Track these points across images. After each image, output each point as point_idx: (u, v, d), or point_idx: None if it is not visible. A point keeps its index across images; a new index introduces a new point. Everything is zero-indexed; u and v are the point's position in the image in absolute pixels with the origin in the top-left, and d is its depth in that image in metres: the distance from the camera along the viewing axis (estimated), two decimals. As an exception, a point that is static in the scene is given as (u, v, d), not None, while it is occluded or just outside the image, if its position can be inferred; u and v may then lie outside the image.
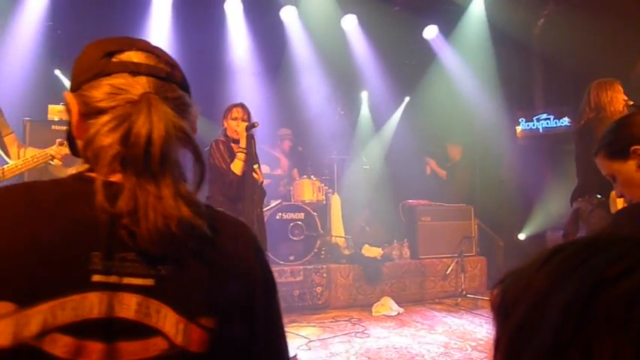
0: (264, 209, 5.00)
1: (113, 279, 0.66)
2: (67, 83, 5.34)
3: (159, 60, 0.78)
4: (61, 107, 4.49)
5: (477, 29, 6.48)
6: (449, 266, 5.29)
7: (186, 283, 0.70)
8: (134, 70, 0.75)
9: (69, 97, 0.76)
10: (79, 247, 0.66)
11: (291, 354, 3.35)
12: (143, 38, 0.82)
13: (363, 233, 5.86)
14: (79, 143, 0.77)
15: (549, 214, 5.89)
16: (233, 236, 0.78)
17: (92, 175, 0.71)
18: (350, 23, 6.49)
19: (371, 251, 5.25)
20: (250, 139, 3.39)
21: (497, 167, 6.66)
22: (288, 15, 6.33)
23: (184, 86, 0.81)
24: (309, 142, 6.08)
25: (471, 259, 5.54)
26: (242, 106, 3.57)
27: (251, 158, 3.38)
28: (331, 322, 4.35)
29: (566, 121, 6.24)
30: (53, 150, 2.42)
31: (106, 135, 0.70)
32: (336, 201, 5.60)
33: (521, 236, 6.27)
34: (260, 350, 0.77)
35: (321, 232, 5.15)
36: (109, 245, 0.67)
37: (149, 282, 0.67)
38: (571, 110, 5.92)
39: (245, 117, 3.51)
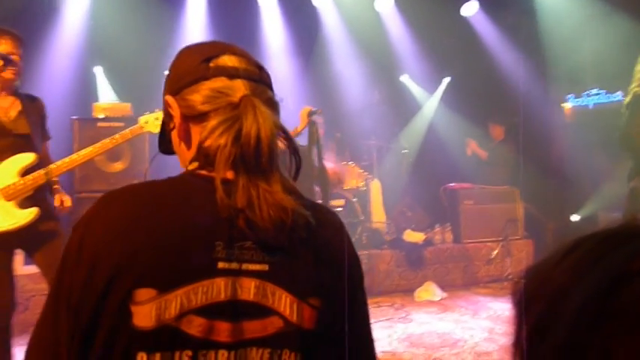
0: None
1: (234, 265, 0.73)
2: (103, 81, 5.53)
3: (249, 63, 0.84)
4: (105, 105, 4.65)
5: (521, 4, 6.20)
6: (494, 250, 5.17)
7: (296, 267, 0.77)
8: (232, 73, 0.80)
9: (171, 100, 0.83)
10: (205, 237, 0.74)
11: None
12: (235, 44, 0.87)
13: (404, 218, 5.80)
14: (177, 142, 0.86)
15: (602, 194, 5.62)
16: (332, 227, 0.85)
17: (203, 172, 0.78)
18: (385, 4, 6.36)
19: (412, 236, 5.20)
20: (313, 124, 3.45)
21: (544, 147, 6.41)
22: (321, 1, 6.26)
23: (271, 87, 0.87)
24: (346, 128, 6.04)
25: (517, 243, 5.38)
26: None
27: (314, 143, 3.44)
28: (373, 307, 4.35)
29: (619, 95, 5.90)
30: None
31: (219, 137, 0.76)
32: (376, 186, 5.55)
33: (574, 218, 6.02)
34: (355, 330, 0.81)
35: (362, 218, 5.13)
36: (229, 235, 0.74)
37: (264, 267, 0.74)
38: (624, 84, 5.61)
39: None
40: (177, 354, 0.69)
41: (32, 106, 2.49)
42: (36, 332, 0.74)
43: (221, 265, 0.73)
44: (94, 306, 0.69)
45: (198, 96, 0.79)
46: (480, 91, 6.48)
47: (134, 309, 0.69)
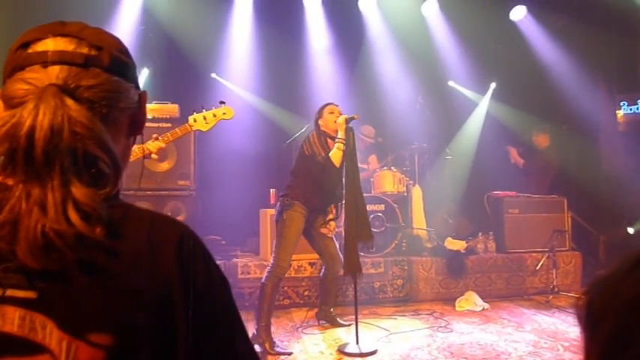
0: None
1: None
2: (151, 83, 5.70)
3: (80, 44, 0.71)
4: (154, 106, 4.80)
5: (571, 4, 6.00)
6: (539, 261, 5.00)
7: (72, 296, 0.63)
8: (44, 59, 0.69)
9: None
10: None
11: (372, 348, 3.34)
12: (77, 21, 0.76)
13: (445, 225, 5.70)
14: None
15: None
16: (146, 239, 0.69)
17: None
18: (431, 9, 6.29)
19: (454, 244, 5.10)
20: (349, 131, 3.45)
21: (595, 156, 6.16)
22: (367, 5, 6.26)
23: (115, 70, 0.73)
24: (389, 133, 6.00)
25: (564, 254, 5.19)
26: (335, 104, 3.73)
27: (351, 151, 3.44)
28: (413, 315, 4.29)
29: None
30: (150, 145, 2.57)
31: None
32: (417, 192, 5.49)
33: (631, 230, 5.74)
34: None
35: (402, 224, 5.07)
36: None
37: (32, 294, 0.62)
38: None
39: (340, 114, 3.64)
40: None
41: None
42: None
43: None
44: None
45: (12, 88, 0.69)
46: (526, 98, 6.31)
47: None
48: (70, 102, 0.67)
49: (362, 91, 6.20)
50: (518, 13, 6.38)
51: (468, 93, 6.83)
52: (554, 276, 4.90)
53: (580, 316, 0.49)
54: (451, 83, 6.79)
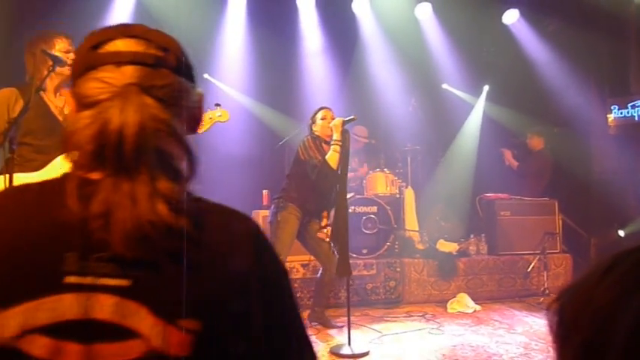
0: (337, 202, 5.03)
1: (89, 280, 0.65)
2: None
3: (149, 45, 0.74)
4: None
5: (563, 8, 6.05)
6: (530, 263, 5.03)
7: (163, 284, 0.67)
8: (118, 59, 0.72)
9: (66, 94, 0.78)
10: (52, 248, 0.66)
11: (364, 349, 3.34)
12: (139, 24, 0.78)
13: (438, 228, 5.71)
14: None
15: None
16: (224, 231, 0.73)
17: (75, 173, 0.70)
18: (424, 12, 6.31)
19: (446, 246, 5.11)
20: (345, 133, 3.45)
21: (587, 160, 6.21)
22: (360, 7, 6.27)
23: (181, 70, 0.76)
24: (382, 135, 6.01)
25: (555, 257, 5.22)
26: (329, 108, 3.75)
27: (346, 153, 3.43)
28: (405, 317, 4.29)
29: (666, 107, 5.69)
30: None
31: (81, 132, 0.68)
32: (409, 194, 5.49)
33: (622, 233, 5.77)
34: (266, 357, 0.71)
35: (395, 226, 5.08)
36: (83, 246, 0.65)
37: (125, 282, 0.65)
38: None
39: (333, 117, 3.64)
40: None
41: None
42: None
43: (71, 279, 0.64)
44: None
45: (85, 87, 0.72)
46: (519, 101, 6.34)
47: None
48: (149, 101, 0.70)
49: (355, 93, 6.20)
50: (511, 17, 6.42)
51: (461, 95, 6.85)
52: (545, 278, 4.92)
53: (551, 324, 0.48)
54: (445, 86, 6.82)
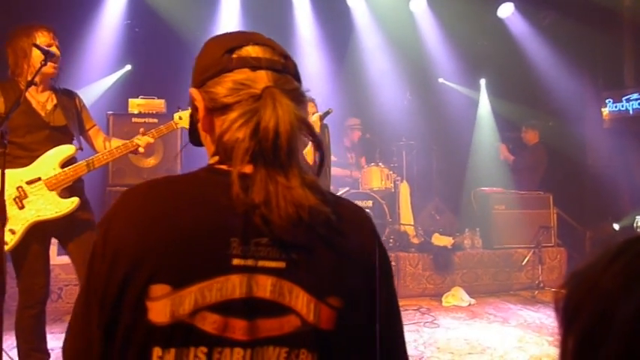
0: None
1: (250, 262, 0.72)
2: (138, 78, 5.63)
3: (274, 52, 0.81)
4: (140, 101, 4.74)
5: (557, 2, 6.04)
6: (525, 257, 5.04)
7: (315, 265, 0.74)
8: (254, 64, 0.78)
9: (195, 93, 0.81)
10: (220, 233, 0.73)
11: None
12: (258, 32, 0.85)
13: (433, 221, 5.73)
14: (203, 135, 0.84)
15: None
16: (355, 222, 0.81)
17: (223, 167, 0.78)
18: (419, 5, 6.29)
19: (441, 240, 5.12)
20: (324, 128, 3.42)
21: (581, 153, 6.23)
22: (355, 0, 6.25)
23: (298, 77, 0.84)
24: (377, 129, 6.00)
25: (550, 250, 5.24)
26: (310, 100, 3.66)
27: (325, 149, 3.40)
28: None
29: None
30: (139, 140, 2.54)
31: (237, 130, 0.75)
32: (404, 188, 5.50)
33: (617, 226, 5.80)
34: (381, 333, 0.78)
35: (390, 220, 5.09)
36: (245, 231, 0.72)
37: (281, 264, 0.72)
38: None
39: (315, 110, 3.59)
40: (192, 350, 0.69)
41: (68, 99, 2.55)
42: (71, 324, 0.78)
43: (236, 261, 0.71)
44: (114, 300, 0.71)
45: (221, 88, 0.78)
46: (514, 94, 6.35)
47: (149, 304, 0.69)
48: (291, 102, 0.76)
49: (350, 87, 6.19)
50: (506, 10, 6.41)
51: (456, 89, 6.85)
52: (539, 272, 4.95)
53: (557, 309, 0.48)
54: (441, 80, 6.81)
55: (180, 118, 2.63)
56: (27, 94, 2.34)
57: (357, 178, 5.42)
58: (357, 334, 0.76)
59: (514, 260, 5.11)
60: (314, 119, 3.46)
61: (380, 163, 5.31)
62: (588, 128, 6.29)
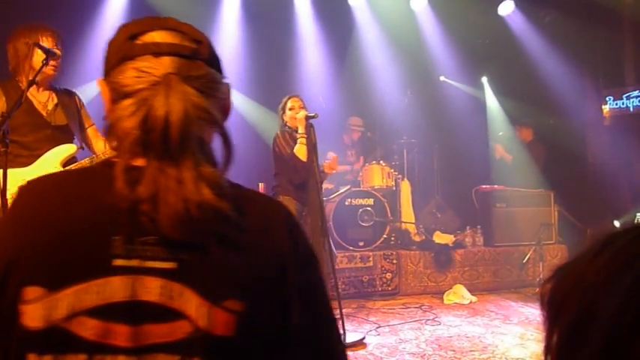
0: (334, 195, 5.03)
1: (135, 262, 0.67)
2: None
3: (184, 37, 0.76)
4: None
5: (558, 0, 6.04)
6: (526, 254, 5.05)
7: (209, 266, 0.69)
8: (156, 50, 0.73)
9: (100, 83, 0.77)
10: (100, 232, 0.68)
11: (358, 337, 3.36)
12: (170, 17, 0.79)
13: (434, 219, 5.73)
14: None
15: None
16: (263, 217, 0.76)
17: (116, 160, 0.71)
18: (420, 3, 6.29)
19: (442, 238, 5.13)
20: (310, 127, 3.41)
21: (582, 150, 6.22)
22: (356, -1, 6.25)
23: (213, 63, 0.79)
24: (377, 127, 6.00)
25: (551, 248, 5.25)
26: (297, 96, 3.69)
27: (312, 147, 3.40)
28: (401, 308, 4.31)
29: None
30: None
31: (127, 119, 0.70)
32: (405, 187, 5.50)
33: (618, 224, 5.81)
34: (300, 338, 0.73)
35: (391, 218, 5.09)
36: (130, 229, 0.67)
37: (171, 265, 0.67)
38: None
39: (302, 105, 3.61)
40: (69, 357, 0.64)
41: (68, 99, 2.56)
42: None
43: (118, 262, 0.66)
44: None
45: (123, 77, 0.73)
46: (514, 92, 6.34)
47: (23, 308, 0.65)
48: (190, 90, 0.71)
49: (351, 85, 6.19)
50: (507, 8, 6.40)
51: (457, 87, 6.84)
52: (540, 269, 4.95)
53: (543, 300, 0.48)
54: (442, 78, 6.80)
55: None
56: (28, 94, 2.35)
57: (357, 173, 5.42)
58: (268, 338, 0.71)
59: (515, 258, 5.11)
60: (300, 117, 3.46)
61: (381, 162, 5.31)
62: (589, 126, 6.29)
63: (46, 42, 2.37)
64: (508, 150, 6.01)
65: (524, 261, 5.04)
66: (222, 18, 5.92)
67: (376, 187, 5.16)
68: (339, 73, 6.21)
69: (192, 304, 0.66)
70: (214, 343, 0.66)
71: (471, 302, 4.47)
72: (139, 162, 0.69)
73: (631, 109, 5.93)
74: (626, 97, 5.96)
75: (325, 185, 4.61)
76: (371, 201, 5.01)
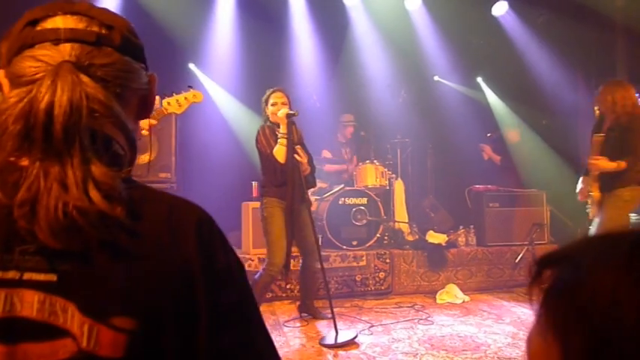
0: (327, 194, 5.03)
1: (12, 274, 0.60)
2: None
3: (91, 22, 0.69)
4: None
5: (550, 0, 6.07)
6: (519, 254, 5.07)
7: (94, 278, 0.61)
8: (55, 37, 0.67)
9: (1, 74, 0.70)
10: None
11: (351, 336, 3.36)
12: (83, 0, 0.73)
13: (427, 219, 5.74)
14: None
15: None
16: (166, 222, 0.66)
17: None
18: (414, 3, 6.29)
19: (435, 237, 5.14)
20: (291, 125, 3.37)
21: (574, 151, 6.25)
22: (351, -2, 6.24)
23: (127, 49, 0.71)
24: (371, 126, 6.00)
25: (543, 247, 5.27)
26: (280, 90, 3.59)
27: (292, 144, 3.36)
28: (394, 307, 4.31)
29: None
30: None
31: (8, 112, 0.62)
32: (399, 186, 5.51)
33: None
34: (217, 353, 0.65)
35: (384, 217, 5.09)
36: (6, 238, 0.60)
37: (52, 277, 0.60)
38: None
39: (285, 101, 3.53)
40: None
41: None
42: None
43: None
44: None
45: (21, 66, 0.66)
46: (508, 92, 6.36)
47: None
48: (86, 79, 0.65)
49: (345, 84, 6.18)
50: (500, 9, 6.42)
51: (451, 86, 6.86)
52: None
53: (541, 295, 0.45)
54: (436, 78, 6.81)
55: (169, 104, 2.61)
56: None
57: (351, 172, 5.42)
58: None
59: (508, 258, 5.13)
60: (280, 115, 3.40)
61: (375, 161, 5.31)
62: (581, 126, 6.31)
63: None
64: (495, 150, 6.04)
65: (517, 261, 5.06)
66: (216, 19, 5.89)
67: (370, 187, 5.16)
68: (333, 72, 6.20)
69: (75, 320, 0.59)
70: None
71: (463, 302, 4.48)
72: (24, 161, 0.62)
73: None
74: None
75: (319, 184, 4.60)
76: (364, 200, 5.01)
